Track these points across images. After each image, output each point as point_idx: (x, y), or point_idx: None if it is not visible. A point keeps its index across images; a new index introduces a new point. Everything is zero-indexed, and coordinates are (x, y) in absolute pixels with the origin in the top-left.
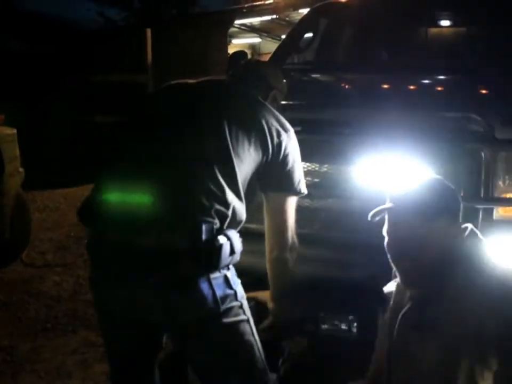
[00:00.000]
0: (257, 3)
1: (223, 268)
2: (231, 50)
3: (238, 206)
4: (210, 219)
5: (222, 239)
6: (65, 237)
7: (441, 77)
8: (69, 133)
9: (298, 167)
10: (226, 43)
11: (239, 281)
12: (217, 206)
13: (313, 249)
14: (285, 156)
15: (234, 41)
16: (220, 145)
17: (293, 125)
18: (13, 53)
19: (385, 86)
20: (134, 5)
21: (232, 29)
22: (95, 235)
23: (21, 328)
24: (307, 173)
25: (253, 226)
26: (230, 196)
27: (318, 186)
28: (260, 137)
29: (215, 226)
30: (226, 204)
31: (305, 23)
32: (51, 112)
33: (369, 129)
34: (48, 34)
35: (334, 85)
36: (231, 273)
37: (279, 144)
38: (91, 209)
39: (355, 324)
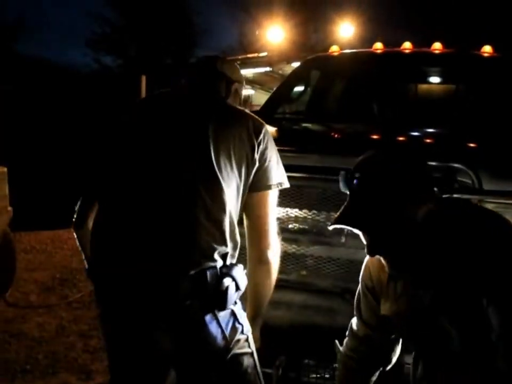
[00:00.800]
0: (251, 55)
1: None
2: None
3: (234, 237)
4: (213, 263)
5: (227, 281)
6: (50, 279)
7: (430, 130)
8: (59, 173)
9: (277, 160)
10: None
11: (245, 314)
12: (217, 247)
13: (299, 295)
14: (264, 153)
15: None
16: (210, 181)
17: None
18: (6, 93)
19: (375, 137)
20: (129, 53)
21: None
22: (107, 278)
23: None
24: (295, 219)
25: None
26: (227, 230)
27: (306, 232)
28: (242, 153)
29: (218, 268)
30: (225, 241)
31: (296, 75)
32: (43, 152)
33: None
34: (43, 77)
35: (323, 133)
36: (238, 308)
37: (259, 145)
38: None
39: None
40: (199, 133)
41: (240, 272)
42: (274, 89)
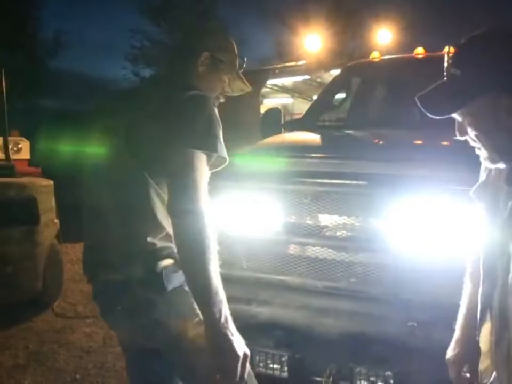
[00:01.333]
0: (290, 64)
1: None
2: (263, 110)
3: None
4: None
5: (165, 262)
6: None
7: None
8: None
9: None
10: (259, 103)
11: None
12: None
13: (349, 303)
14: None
15: (266, 101)
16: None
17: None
18: (47, 109)
19: (418, 142)
20: None
21: (264, 89)
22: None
23: (50, 378)
24: (342, 226)
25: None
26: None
27: (353, 239)
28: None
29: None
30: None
31: (337, 82)
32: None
33: (399, 182)
34: (83, 91)
35: (366, 140)
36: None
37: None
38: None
39: (391, 381)
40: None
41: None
42: (314, 97)
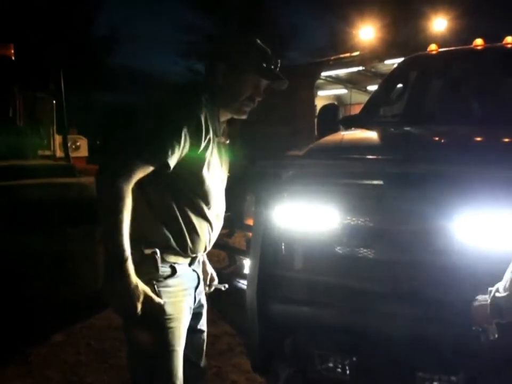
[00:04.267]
0: (344, 55)
1: None
2: (317, 101)
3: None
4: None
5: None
6: None
7: None
8: None
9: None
10: (313, 95)
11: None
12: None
13: (411, 306)
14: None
15: (320, 92)
16: None
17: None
18: (103, 105)
19: (481, 140)
20: None
21: (318, 81)
22: None
23: (112, 375)
24: (405, 228)
25: None
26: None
27: (416, 241)
28: None
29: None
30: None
31: (395, 76)
32: None
33: (465, 184)
34: (136, 87)
35: (427, 138)
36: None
37: None
38: None
39: None
40: None
41: None
42: (368, 87)
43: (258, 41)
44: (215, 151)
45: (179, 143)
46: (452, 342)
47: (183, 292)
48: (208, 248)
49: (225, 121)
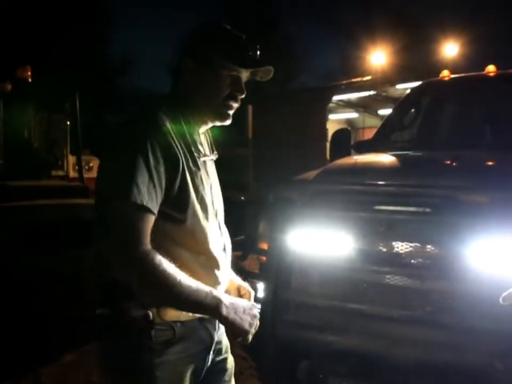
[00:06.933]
0: (356, 80)
1: None
2: (329, 125)
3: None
4: None
5: None
6: None
7: None
8: None
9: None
10: (325, 118)
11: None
12: None
13: (425, 332)
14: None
15: (331, 116)
16: None
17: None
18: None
19: (489, 163)
20: None
21: (329, 104)
22: None
23: None
24: (418, 255)
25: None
26: None
27: (429, 267)
28: None
29: None
30: None
31: (408, 101)
32: None
33: (479, 210)
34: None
35: (440, 164)
36: None
37: None
38: None
39: None
40: None
41: None
42: (379, 111)
43: (228, 26)
44: (202, 172)
45: (148, 181)
46: (469, 370)
47: (185, 360)
48: (221, 288)
49: (206, 132)
